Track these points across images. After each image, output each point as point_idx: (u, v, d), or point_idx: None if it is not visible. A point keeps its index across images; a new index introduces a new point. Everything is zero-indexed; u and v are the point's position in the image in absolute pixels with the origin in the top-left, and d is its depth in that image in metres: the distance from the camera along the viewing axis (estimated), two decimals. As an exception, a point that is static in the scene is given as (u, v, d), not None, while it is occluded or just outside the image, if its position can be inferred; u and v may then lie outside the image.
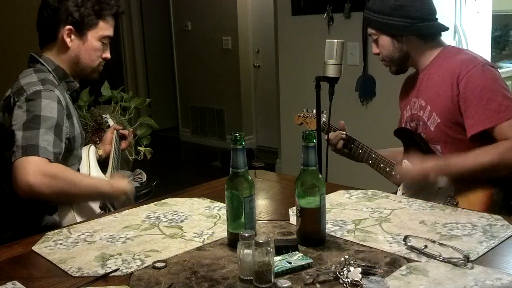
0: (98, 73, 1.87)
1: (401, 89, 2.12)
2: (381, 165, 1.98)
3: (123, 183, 1.75)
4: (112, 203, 1.81)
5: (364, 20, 1.99)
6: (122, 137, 2.14)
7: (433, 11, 1.91)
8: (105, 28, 1.81)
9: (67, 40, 1.76)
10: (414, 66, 1.98)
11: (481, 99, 1.74)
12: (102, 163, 1.97)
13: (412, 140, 1.93)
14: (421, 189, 1.85)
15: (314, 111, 2.16)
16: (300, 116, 2.26)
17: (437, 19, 1.92)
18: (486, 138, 1.74)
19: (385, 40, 1.92)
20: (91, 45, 1.79)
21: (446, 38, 3.50)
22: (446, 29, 1.93)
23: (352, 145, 2.06)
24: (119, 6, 1.84)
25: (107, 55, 1.85)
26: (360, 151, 2.04)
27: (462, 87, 1.77)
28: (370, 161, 2.01)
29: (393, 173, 1.94)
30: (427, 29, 1.89)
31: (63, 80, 1.79)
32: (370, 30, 1.96)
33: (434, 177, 1.78)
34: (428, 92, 1.89)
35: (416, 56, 1.93)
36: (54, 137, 1.59)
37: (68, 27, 1.75)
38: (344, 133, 2.08)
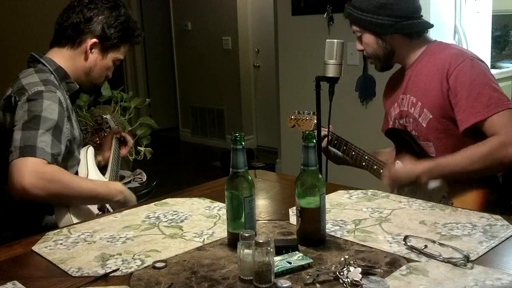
0: (93, 89, 1.96)
1: (386, 87, 2.11)
2: (375, 167, 1.96)
3: (119, 184, 1.77)
4: (110, 205, 1.80)
5: (348, 17, 1.98)
6: (123, 141, 2.13)
7: (417, 9, 1.90)
8: (122, 53, 1.88)
9: (89, 51, 1.79)
10: (400, 62, 1.98)
11: (470, 93, 1.73)
12: (101, 169, 1.96)
13: (404, 140, 1.93)
14: (414, 192, 1.85)
15: (306, 112, 2.15)
16: (292, 118, 2.19)
17: (421, 16, 1.92)
18: (479, 132, 1.74)
19: (369, 38, 1.91)
20: (107, 64, 1.85)
21: (446, 38, 3.51)
22: (431, 26, 1.93)
23: (337, 143, 2.03)
24: (140, 37, 1.93)
25: (110, 75, 1.91)
26: (353, 153, 2.02)
27: (452, 81, 1.77)
28: (364, 163, 2.00)
29: (381, 171, 1.93)
30: (411, 27, 1.88)
31: (64, 81, 1.78)
32: (354, 28, 1.94)
33: (426, 179, 1.78)
34: (417, 88, 1.88)
35: (402, 53, 1.93)
36: (52, 139, 1.58)
37: (94, 40, 1.78)
38: (326, 129, 2.01)
